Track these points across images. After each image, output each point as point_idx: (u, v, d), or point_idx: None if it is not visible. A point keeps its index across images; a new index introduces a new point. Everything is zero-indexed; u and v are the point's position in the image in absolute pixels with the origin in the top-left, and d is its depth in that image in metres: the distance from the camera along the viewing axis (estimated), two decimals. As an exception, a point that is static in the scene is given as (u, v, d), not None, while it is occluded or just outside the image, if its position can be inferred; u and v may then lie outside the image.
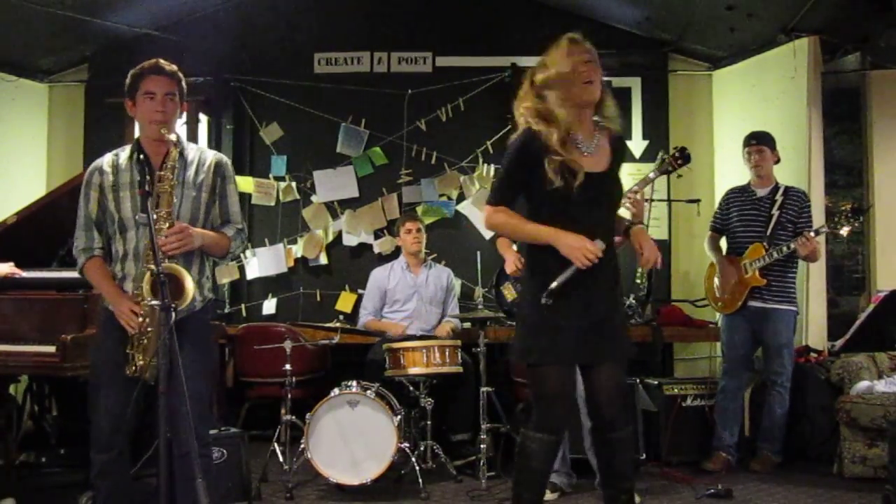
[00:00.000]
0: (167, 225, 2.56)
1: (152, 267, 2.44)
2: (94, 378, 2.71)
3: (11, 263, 3.53)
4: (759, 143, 4.41)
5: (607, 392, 2.63)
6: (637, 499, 3.64)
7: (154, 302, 2.38)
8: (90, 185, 2.73)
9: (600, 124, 2.64)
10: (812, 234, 4.14)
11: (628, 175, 5.55)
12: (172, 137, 2.61)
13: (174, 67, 2.72)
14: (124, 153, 2.74)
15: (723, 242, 4.59)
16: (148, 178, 2.53)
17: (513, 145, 2.61)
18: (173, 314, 2.27)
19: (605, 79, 2.62)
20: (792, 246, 4.15)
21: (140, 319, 2.55)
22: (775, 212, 4.33)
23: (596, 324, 2.57)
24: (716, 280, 4.50)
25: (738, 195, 4.51)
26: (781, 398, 4.26)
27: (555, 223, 2.53)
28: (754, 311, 4.30)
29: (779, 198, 4.35)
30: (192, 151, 2.78)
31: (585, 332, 2.57)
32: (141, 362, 2.53)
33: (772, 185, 4.41)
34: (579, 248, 2.46)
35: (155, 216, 2.51)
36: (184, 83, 2.74)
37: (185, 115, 3.11)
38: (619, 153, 2.69)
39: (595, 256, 2.45)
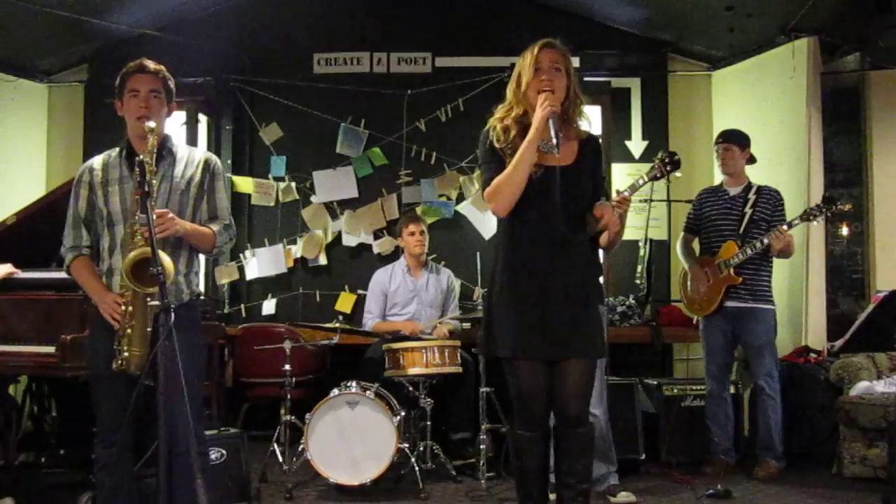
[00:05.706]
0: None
1: (133, 252, 2.49)
2: (92, 375, 2.74)
3: (10, 265, 3.53)
4: (727, 142, 4.38)
5: (572, 388, 2.61)
6: (612, 500, 3.66)
7: (155, 303, 2.39)
8: (80, 183, 2.78)
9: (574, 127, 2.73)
10: (785, 227, 4.10)
11: (627, 175, 5.56)
12: (150, 125, 2.61)
13: (159, 66, 2.76)
14: (114, 152, 2.80)
15: (696, 244, 4.55)
16: (148, 178, 2.52)
17: None
18: (173, 314, 2.26)
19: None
20: (766, 241, 4.11)
21: (122, 308, 2.56)
22: (748, 210, 4.29)
23: (564, 319, 2.58)
24: (688, 283, 4.46)
25: (710, 195, 4.47)
26: (774, 403, 4.20)
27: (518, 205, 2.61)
28: (732, 311, 4.25)
29: (752, 196, 4.32)
30: (181, 149, 2.83)
31: (554, 327, 2.58)
32: (126, 354, 2.53)
33: (744, 184, 4.38)
34: None
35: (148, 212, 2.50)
36: (171, 82, 2.78)
37: (175, 114, 3.11)
38: (587, 155, 2.71)
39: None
